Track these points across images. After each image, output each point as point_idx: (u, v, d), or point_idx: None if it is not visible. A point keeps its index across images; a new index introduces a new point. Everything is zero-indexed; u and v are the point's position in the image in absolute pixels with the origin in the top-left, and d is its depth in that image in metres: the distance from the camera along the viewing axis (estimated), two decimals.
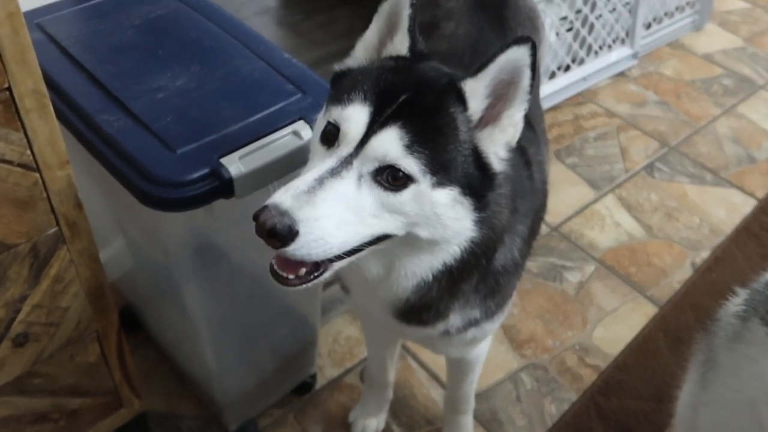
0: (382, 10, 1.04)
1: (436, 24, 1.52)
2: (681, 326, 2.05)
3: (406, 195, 0.93)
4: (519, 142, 1.25)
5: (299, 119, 1.22)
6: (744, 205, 2.44)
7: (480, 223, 1.01)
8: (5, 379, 1.22)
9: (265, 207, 0.89)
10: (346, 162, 0.93)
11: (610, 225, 2.35)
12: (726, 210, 2.42)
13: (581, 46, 2.79)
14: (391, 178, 0.92)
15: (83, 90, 1.24)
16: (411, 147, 0.92)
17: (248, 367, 1.64)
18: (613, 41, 2.92)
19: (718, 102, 2.89)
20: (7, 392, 1.24)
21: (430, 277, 1.06)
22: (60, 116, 1.19)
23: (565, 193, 2.45)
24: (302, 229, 0.88)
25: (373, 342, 1.65)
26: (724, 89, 2.96)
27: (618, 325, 2.06)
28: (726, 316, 1.08)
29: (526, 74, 0.94)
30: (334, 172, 0.92)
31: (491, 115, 0.99)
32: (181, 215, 1.14)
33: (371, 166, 0.93)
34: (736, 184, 2.52)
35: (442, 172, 0.94)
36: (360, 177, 0.93)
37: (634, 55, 3.01)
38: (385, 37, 1.06)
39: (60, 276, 1.18)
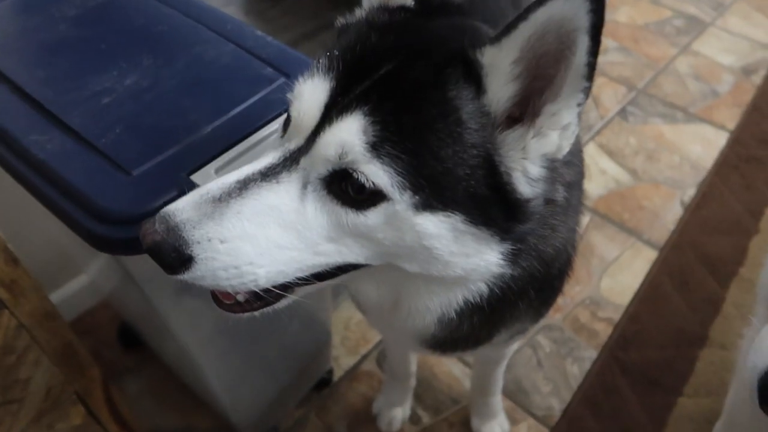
0: None
1: None
2: (684, 267, 1.70)
3: (375, 217, 0.52)
4: None
5: (286, 111, 0.79)
6: (717, 139, 2.07)
7: (516, 255, 0.58)
8: None
9: (152, 218, 0.51)
10: (291, 160, 0.53)
11: (597, 173, 1.97)
12: (702, 145, 2.05)
13: None
14: (353, 189, 0.51)
15: (4, 105, 0.79)
16: (379, 147, 0.51)
17: (259, 380, 1.25)
18: None
19: (673, 42, 2.49)
20: None
21: (453, 314, 0.64)
22: None
23: None
24: (199, 253, 0.50)
25: (393, 346, 1.26)
26: (677, 29, 2.56)
27: (622, 273, 1.70)
28: None
29: (582, 43, 0.49)
30: (269, 174, 0.53)
31: (526, 106, 0.54)
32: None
33: (322, 170, 0.52)
34: (706, 119, 2.15)
35: (429, 189, 0.52)
36: (306, 184, 0.52)
37: None
38: None
39: (9, 346, 0.76)
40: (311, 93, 0.54)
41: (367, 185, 0.51)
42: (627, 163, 2.00)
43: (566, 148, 0.55)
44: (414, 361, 1.33)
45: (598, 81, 2.30)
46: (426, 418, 1.42)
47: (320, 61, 0.55)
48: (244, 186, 0.52)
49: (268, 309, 0.60)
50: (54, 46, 0.88)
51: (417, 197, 0.52)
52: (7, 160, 0.75)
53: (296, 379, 1.35)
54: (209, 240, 0.50)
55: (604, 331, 1.58)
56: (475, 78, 0.53)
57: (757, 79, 2.29)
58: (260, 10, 2.58)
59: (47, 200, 0.72)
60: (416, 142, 0.51)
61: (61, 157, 0.73)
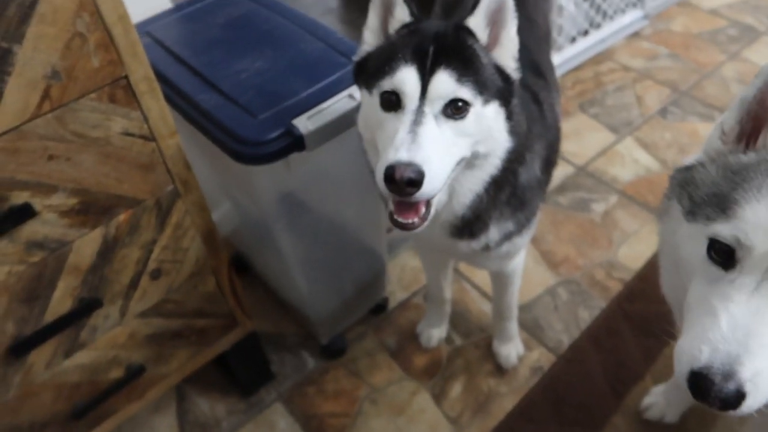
0: None
1: None
2: None
3: (470, 118, 0.99)
4: (530, 87, 1.24)
5: (353, 85, 1.24)
6: None
7: (511, 132, 1.06)
8: (147, 304, 1.31)
9: (393, 166, 0.91)
10: (419, 111, 0.96)
11: (630, 162, 2.27)
12: None
13: (597, 13, 2.67)
14: (454, 110, 0.97)
15: (184, 78, 1.30)
16: (461, 80, 0.97)
17: (333, 292, 1.69)
18: (626, 5, 2.78)
19: (724, 49, 2.71)
20: (150, 315, 1.33)
21: (482, 190, 1.09)
22: (167, 99, 1.25)
23: (589, 138, 2.38)
24: (425, 171, 0.92)
25: (430, 267, 1.67)
26: (729, 38, 2.77)
27: (639, 244, 2.00)
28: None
29: (510, 3, 1.01)
30: (417, 122, 0.95)
31: (494, 39, 1.04)
32: (265, 169, 1.19)
33: (439, 106, 0.97)
34: None
35: (485, 91, 0.99)
36: (435, 117, 0.97)
37: (645, 17, 2.85)
38: (384, 17, 1.08)
39: (179, 223, 1.25)
40: (409, 76, 0.98)
41: (462, 101, 0.97)
42: (659, 154, 2.28)
43: (516, 48, 1.05)
44: (448, 288, 1.72)
45: (644, 84, 2.59)
46: (458, 341, 1.81)
47: (394, 62, 0.99)
48: (414, 132, 0.94)
49: (430, 216, 1.01)
50: (212, 41, 1.39)
51: (482, 97, 0.99)
52: (184, 110, 1.25)
53: (359, 299, 1.78)
54: (425, 162, 0.93)
55: (615, 287, 1.89)
56: (470, 32, 1.03)
57: None
58: (352, 20, 3.07)
59: (209, 133, 1.20)
60: (471, 71, 0.99)
61: (217, 108, 1.22)
